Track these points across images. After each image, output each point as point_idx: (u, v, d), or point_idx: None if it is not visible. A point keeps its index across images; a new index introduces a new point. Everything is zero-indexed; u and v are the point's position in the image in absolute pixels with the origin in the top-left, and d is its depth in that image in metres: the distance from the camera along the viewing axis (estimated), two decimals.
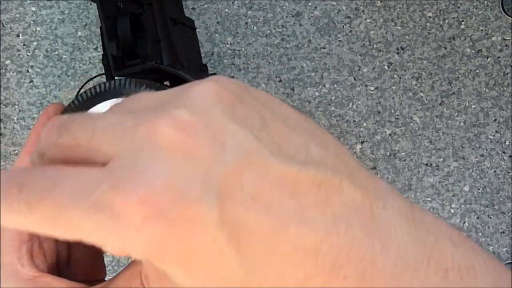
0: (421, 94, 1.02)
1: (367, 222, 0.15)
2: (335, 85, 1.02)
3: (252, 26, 1.02)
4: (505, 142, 1.02)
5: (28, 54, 1.01)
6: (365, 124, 1.02)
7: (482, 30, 1.02)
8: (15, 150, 1.01)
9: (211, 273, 0.15)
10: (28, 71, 1.01)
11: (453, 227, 0.17)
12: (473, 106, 1.02)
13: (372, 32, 1.02)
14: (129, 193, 0.14)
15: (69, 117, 0.17)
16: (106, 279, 0.27)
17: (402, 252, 0.15)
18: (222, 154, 0.14)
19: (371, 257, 0.15)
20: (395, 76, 1.02)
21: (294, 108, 0.18)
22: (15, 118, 1.01)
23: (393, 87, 1.02)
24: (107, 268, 0.28)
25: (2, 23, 1.01)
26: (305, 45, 1.02)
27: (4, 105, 1.01)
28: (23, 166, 0.17)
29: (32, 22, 1.01)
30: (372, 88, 1.02)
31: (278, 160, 0.15)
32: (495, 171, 1.02)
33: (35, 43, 1.01)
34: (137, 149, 0.15)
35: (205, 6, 1.01)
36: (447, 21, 1.02)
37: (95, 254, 0.26)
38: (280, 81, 1.02)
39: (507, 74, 1.02)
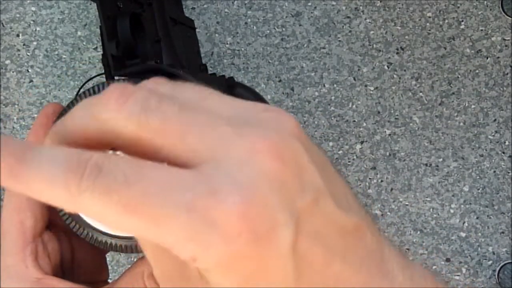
0: (421, 94, 1.02)
1: (380, 264, 0.18)
2: (335, 85, 1.02)
3: (251, 26, 1.02)
4: (505, 142, 1.02)
5: (28, 54, 1.01)
6: (364, 124, 1.02)
7: (482, 30, 1.02)
8: None
9: None
10: (28, 71, 1.01)
11: (431, 272, 0.21)
12: (472, 106, 1.02)
13: (372, 32, 1.02)
14: (230, 204, 0.14)
15: (148, 94, 0.16)
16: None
17: None
18: (302, 189, 0.16)
19: None
20: (394, 76, 1.02)
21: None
22: (15, 118, 1.01)
23: (393, 87, 1.02)
24: None
25: (2, 23, 1.01)
26: (305, 45, 1.02)
27: (4, 104, 1.01)
28: (91, 152, 0.15)
29: (32, 22, 1.01)
30: (372, 88, 1.02)
31: (336, 205, 0.17)
32: (494, 171, 1.02)
33: (35, 43, 1.01)
34: (237, 163, 0.15)
35: (205, 6, 1.01)
36: (446, 21, 1.02)
37: (98, 256, 0.26)
38: (279, 81, 1.02)
39: (507, 74, 1.02)
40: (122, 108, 0.16)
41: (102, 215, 0.14)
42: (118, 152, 0.26)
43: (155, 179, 0.14)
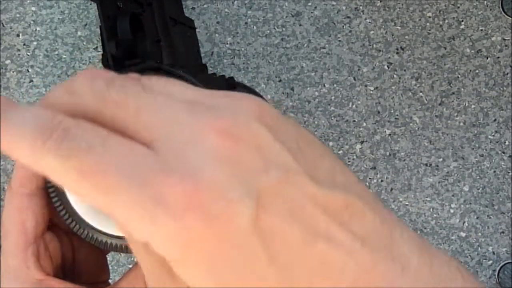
0: (421, 94, 1.02)
1: (388, 246, 0.17)
2: (335, 85, 1.02)
3: (252, 26, 1.02)
4: (505, 142, 1.02)
5: (28, 54, 1.01)
6: (364, 124, 1.02)
7: (482, 30, 1.02)
8: None
9: (241, 274, 0.15)
10: (28, 71, 1.01)
11: (455, 259, 0.19)
12: (472, 106, 1.02)
13: (372, 32, 1.02)
14: (178, 181, 0.15)
15: (115, 76, 0.17)
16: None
17: (419, 276, 0.17)
18: (266, 167, 0.15)
19: (392, 278, 0.16)
20: (394, 76, 1.02)
21: (318, 137, 0.19)
22: None
23: (393, 87, 1.02)
24: None
25: (2, 23, 1.01)
26: (305, 45, 1.02)
27: None
28: (67, 116, 0.16)
29: (32, 22, 1.01)
30: (372, 88, 1.02)
31: (313, 182, 0.16)
32: (494, 171, 1.02)
33: (35, 43, 1.01)
34: (188, 142, 0.15)
35: (205, 6, 1.01)
36: (446, 21, 1.02)
37: (98, 256, 0.26)
38: (280, 81, 1.02)
39: (507, 74, 1.02)
40: (89, 83, 0.17)
41: (60, 178, 0.15)
42: None
43: (115, 150, 0.15)
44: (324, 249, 0.16)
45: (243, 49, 1.02)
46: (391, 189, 1.02)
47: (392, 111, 1.02)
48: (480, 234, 1.02)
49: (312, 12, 1.02)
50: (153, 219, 0.14)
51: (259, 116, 0.16)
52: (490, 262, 1.02)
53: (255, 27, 1.02)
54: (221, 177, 0.15)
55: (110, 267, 0.28)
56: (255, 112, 0.16)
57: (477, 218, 1.02)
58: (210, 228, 0.15)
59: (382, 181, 1.02)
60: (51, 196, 0.22)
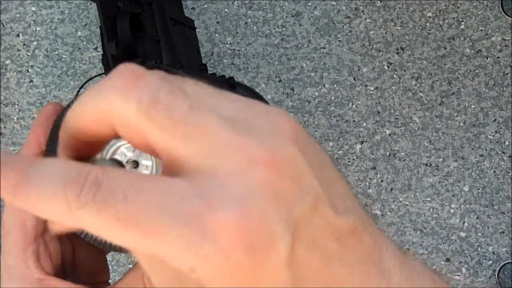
0: (421, 94, 1.02)
1: (377, 264, 0.19)
2: (335, 85, 1.02)
3: (252, 26, 1.02)
4: (505, 142, 1.02)
5: (28, 54, 1.01)
6: (364, 124, 1.02)
7: (481, 30, 1.02)
8: (15, 150, 1.02)
9: None
10: (28, 71, 1.01)
11: (431, 270, 0.22)
12: (472, 106, 1.02)
13: (372, 32, 1.02)
14: (227, 217, 0.15)
15: (164, 83, 0.16)
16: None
17: None
18: (300, 196, 0.16)
19: None
20: (394, 76, 1.02)
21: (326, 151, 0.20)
22: (15, 118, 1.01)
23: (393, 87, 1.02)
24: None
25: (2, 23, 1.01)
26: (305, 45, 1.02)
27: (4, 104, 1.01)
28: (94, 166, 0.16)
29: (32, 22, 1.01)
30: (372, 88, 1.02)
31: (333, 211, 0.17)
32: (494, 171, 1.02)
33: (35, 43, 1.01)
34: (235, 173, 0.15)
35: (205, 6, 1.01)
36: (446, 21, 1.02)
37: (98, 256, 0.26)
38: (279, 81, 1.02)
39: (507, 74, 1.02)
40: (131, 92, 0.16)
41: (101, 229, 0.15)
42: (123, 142, 0.26)
43: (152, 193, 0.15)
44: (336, 272, 0.17)
45: (243, 49, 1.02)
46: (391, 189, 1.02)
47: (392, 111, 1.02)
48: (480, 234, 1.02)
49: (312, 12, 1.02)
50: (201, 256, 0.14)
51: (295, 139, 0.17)
52: (490, 262, 1.02)
53: (255, 27, 1.02)
54: (267, 211, 0.15)
55: (110, 267, 0.28)
56: (292, 135, 0.17)
57: (477, 218, 1.02)
58: (252, 260, 0.15)
59: (382, 181, 1.02)
60: None
